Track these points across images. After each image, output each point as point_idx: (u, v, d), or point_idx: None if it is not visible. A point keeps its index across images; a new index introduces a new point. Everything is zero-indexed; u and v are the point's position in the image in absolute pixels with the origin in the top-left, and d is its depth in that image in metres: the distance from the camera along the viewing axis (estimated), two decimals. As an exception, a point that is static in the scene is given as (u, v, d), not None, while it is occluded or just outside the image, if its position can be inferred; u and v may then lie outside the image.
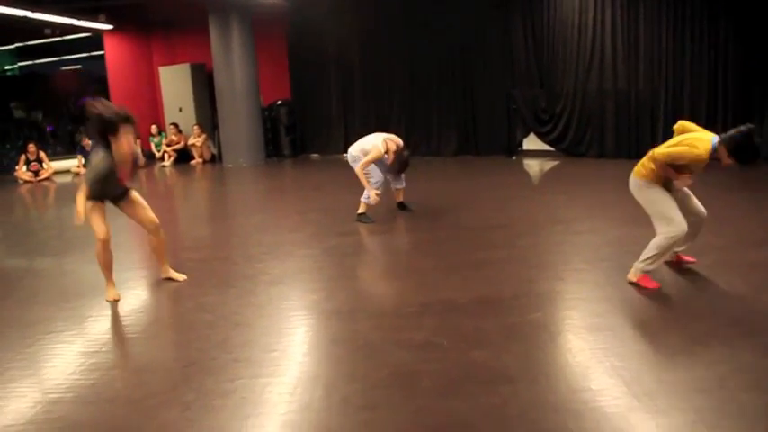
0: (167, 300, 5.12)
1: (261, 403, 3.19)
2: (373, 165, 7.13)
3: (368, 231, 6.80)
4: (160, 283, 5.44)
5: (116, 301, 5.00)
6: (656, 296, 4.42)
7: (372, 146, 7.10)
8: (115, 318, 4.71)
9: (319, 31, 13.34)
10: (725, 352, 3.50)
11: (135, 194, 5.20)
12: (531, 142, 12.02)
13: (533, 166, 11.11)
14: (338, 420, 3.00)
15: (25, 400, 3.38)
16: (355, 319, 4.28)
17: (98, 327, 4.51)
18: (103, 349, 4.05)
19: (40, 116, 20.58)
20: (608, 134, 10.99)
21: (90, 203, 4.86)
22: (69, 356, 3.95)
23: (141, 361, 3.89)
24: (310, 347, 3.93)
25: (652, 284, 4.58)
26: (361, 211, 7.23)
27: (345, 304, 4.62)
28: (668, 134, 9.97)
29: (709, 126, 9.37)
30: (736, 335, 3.71)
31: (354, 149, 7.26)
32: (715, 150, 4.30)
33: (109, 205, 5.03)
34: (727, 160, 4.30)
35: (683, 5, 10.14)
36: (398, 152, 7.21)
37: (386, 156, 7.14)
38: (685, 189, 4.71)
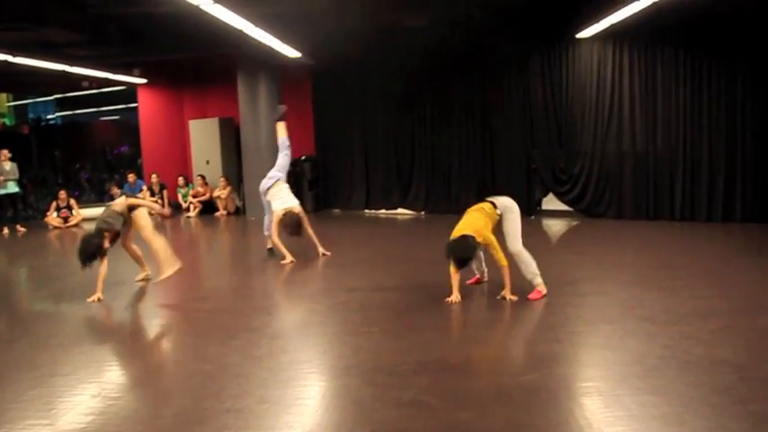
0: (170, 348, 5.25)
1: (243, 455, 3.26)
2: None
3: (375, 288, 6.86)
4: (166, 333, 5.58)
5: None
6: (655, 363, 4.38)
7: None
8: (117, 364, 4.83)
9: (343, 88, 13.66)
10: (714, 420, 3.47)
11: None
12: (551, 202, 12.06)
13: (551, 227, 11.13)
14: (315, 475, 3.05)
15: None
16: (349, 375, 4.34)
17: (101, 372, 4.64)
18: (102, 394, 4.16)
19: (77, 165, 21.27)
20: (626, 195, 10.99)
21: None
22: (68, 400, 4.07)
23: (133, 407, 3.97)
24: (301, 401, 3.99)
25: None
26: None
27: (342, 360, 4.69)
28: (686, 195, 10.18)
29: (727, 189, 9.58)
30: (727, 403, 3.69)
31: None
32: None
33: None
34: None
35: (701, 66, 10.23)
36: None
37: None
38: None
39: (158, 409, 3.90)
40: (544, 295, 6.02)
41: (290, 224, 8.32)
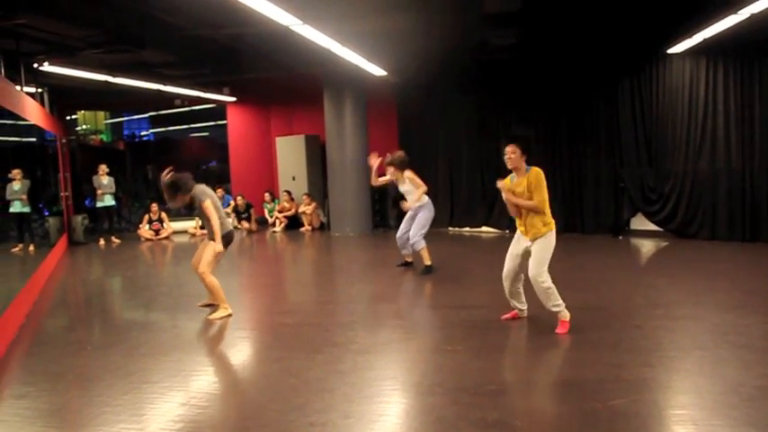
0: (256, 361, 5.34)
1: (328, 469, 3.28)
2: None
3: (459, 306, 6.81)
4: (253, 346, 5.69)
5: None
6: (752, 393, 4.16)
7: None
8: (206, 374, 4.96)
9: (428, 106, 13.68)
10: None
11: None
12: (639, 222, 11.70)
13: (639, 247, 10.80)
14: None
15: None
16: (433, 393, 4.31)
17: (189, 381, 4.77)
18: (191, 402, 4.28)
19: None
20: (720, 215, 10.54)
21: None
22: (159, 407, 4.22)
23: (221, 417, 4.07)
24: (385, 417, 3.99)
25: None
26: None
27: (426, 378, 4.67)
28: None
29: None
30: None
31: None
32: None
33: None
34: None
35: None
36: None
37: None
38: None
39: (245, 421, 3.97)
40: (569, 323, 5.66)
41: None
